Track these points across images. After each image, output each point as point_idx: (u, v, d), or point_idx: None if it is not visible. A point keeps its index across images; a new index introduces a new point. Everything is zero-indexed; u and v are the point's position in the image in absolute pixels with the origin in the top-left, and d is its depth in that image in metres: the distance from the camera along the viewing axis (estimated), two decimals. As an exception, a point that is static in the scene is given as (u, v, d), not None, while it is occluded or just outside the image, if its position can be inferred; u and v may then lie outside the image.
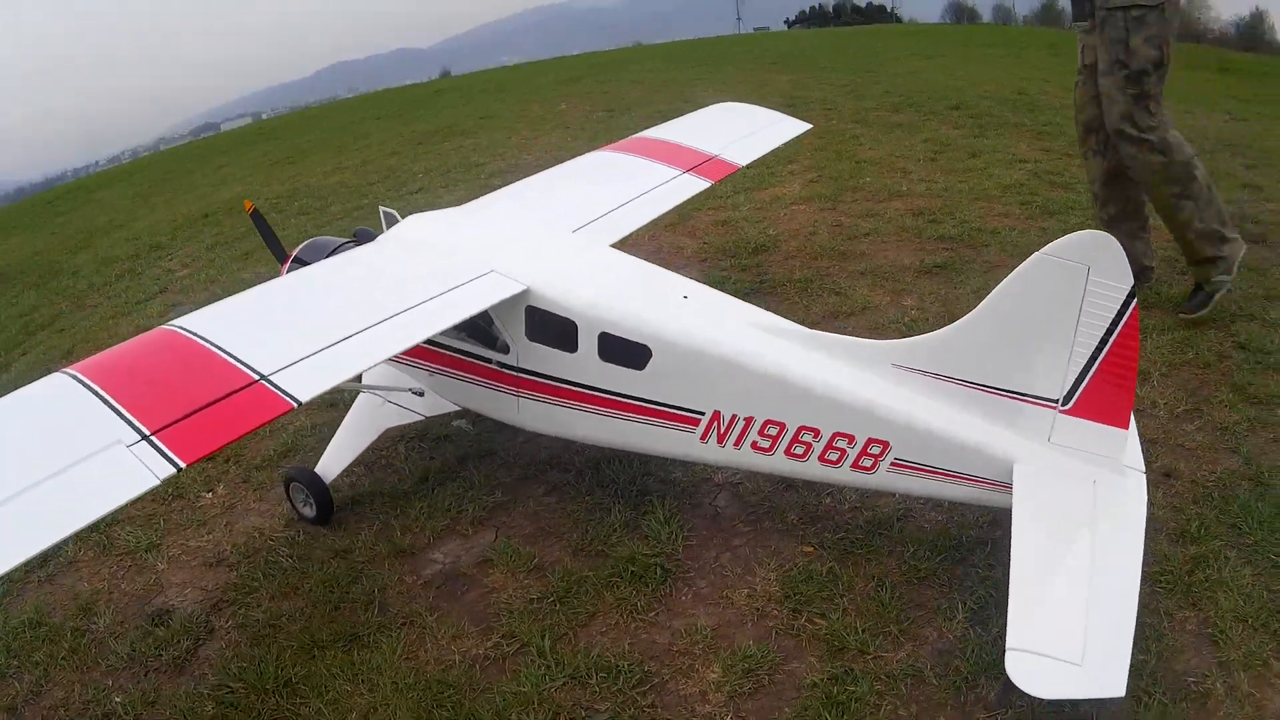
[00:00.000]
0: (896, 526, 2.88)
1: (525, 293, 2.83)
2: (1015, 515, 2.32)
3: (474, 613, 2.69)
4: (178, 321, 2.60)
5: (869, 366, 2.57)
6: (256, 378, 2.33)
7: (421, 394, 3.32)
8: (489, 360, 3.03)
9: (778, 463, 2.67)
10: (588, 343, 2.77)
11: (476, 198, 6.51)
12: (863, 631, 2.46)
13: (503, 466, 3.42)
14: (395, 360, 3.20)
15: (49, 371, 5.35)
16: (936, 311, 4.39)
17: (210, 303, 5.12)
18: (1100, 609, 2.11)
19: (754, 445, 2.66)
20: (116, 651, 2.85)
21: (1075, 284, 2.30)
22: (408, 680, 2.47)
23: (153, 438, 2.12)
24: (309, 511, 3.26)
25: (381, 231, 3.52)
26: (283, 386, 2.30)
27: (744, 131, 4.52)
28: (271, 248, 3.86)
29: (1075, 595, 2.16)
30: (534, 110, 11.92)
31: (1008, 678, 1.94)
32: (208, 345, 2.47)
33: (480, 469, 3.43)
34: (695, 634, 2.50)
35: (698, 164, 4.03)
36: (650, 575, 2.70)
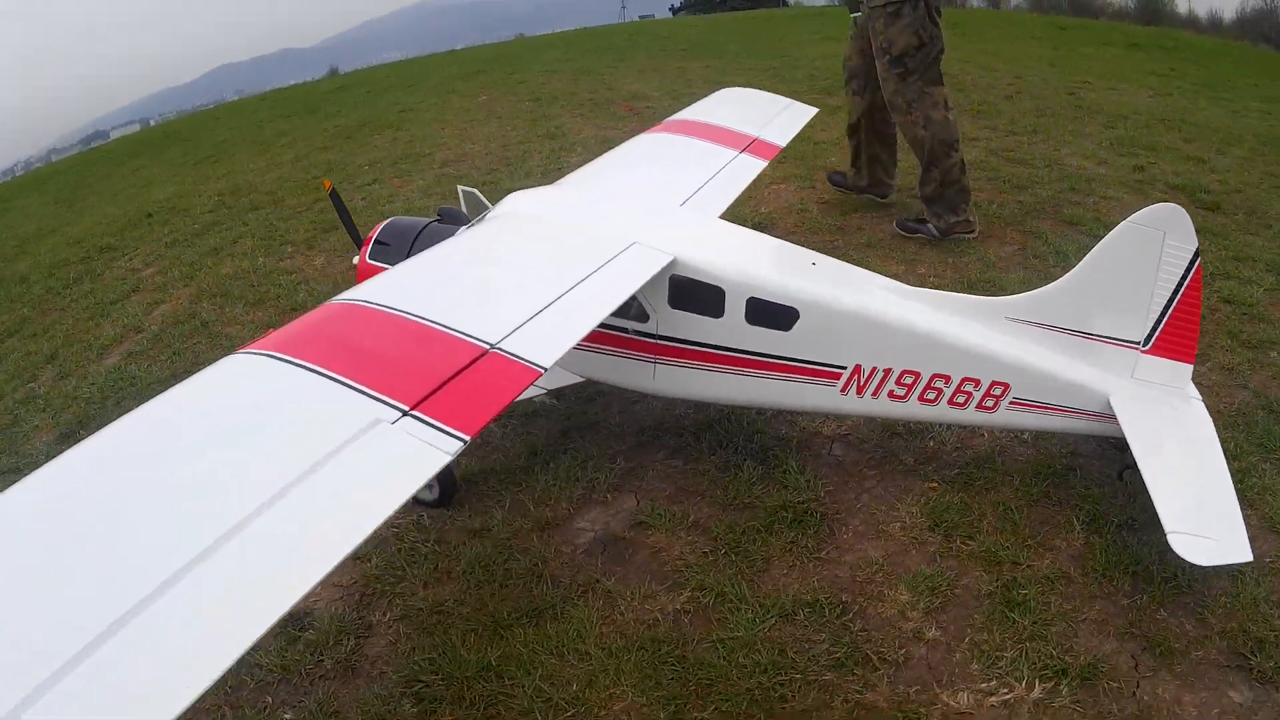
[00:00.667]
0: (998, 461, 3.23)
1: (672, 263, 2.93)
2: (1130, 436, 2.71)
3: (652, 572, 2.83)
4: (351, 295, 2.43)
5: (988, 320, 2.90)
6: (487, 346, 2.21)
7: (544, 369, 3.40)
8: (625, 330, 3.10)
9: (911, 408, 2.95)
10: (735, 308, 2.92)
11: (439, 186, 6.52)
12: (1008, 548, 2.79)
13: (613, 437, 3.55)
14: None
15: (35, 378, 5.11)
16: (953, 278, 4.79)
17: (202, 298, 5.02)
18: (1214, 498, 2.54)
19: (890, 394, 2.93)
20: (264, 665, 2.63)
21: (1154, 247, 2.74)
22: (617, 644, 2.53)
23: (417, 413, 1.94)
24: (430, 495, 3.21)
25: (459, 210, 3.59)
26: (518, 354, 2.22)
27: (768, 115, 4.74)
28: (349, 229, 3.75)
29: (1196, 489, 2.58)
30: (454, 102, 11.86)
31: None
32: (409, 316, 2.30)
33: (590, 440, 3.53)
34: (870, 565, 2.75)
35: (746, 145, 4.21)
36: (809, 519, 2.94)
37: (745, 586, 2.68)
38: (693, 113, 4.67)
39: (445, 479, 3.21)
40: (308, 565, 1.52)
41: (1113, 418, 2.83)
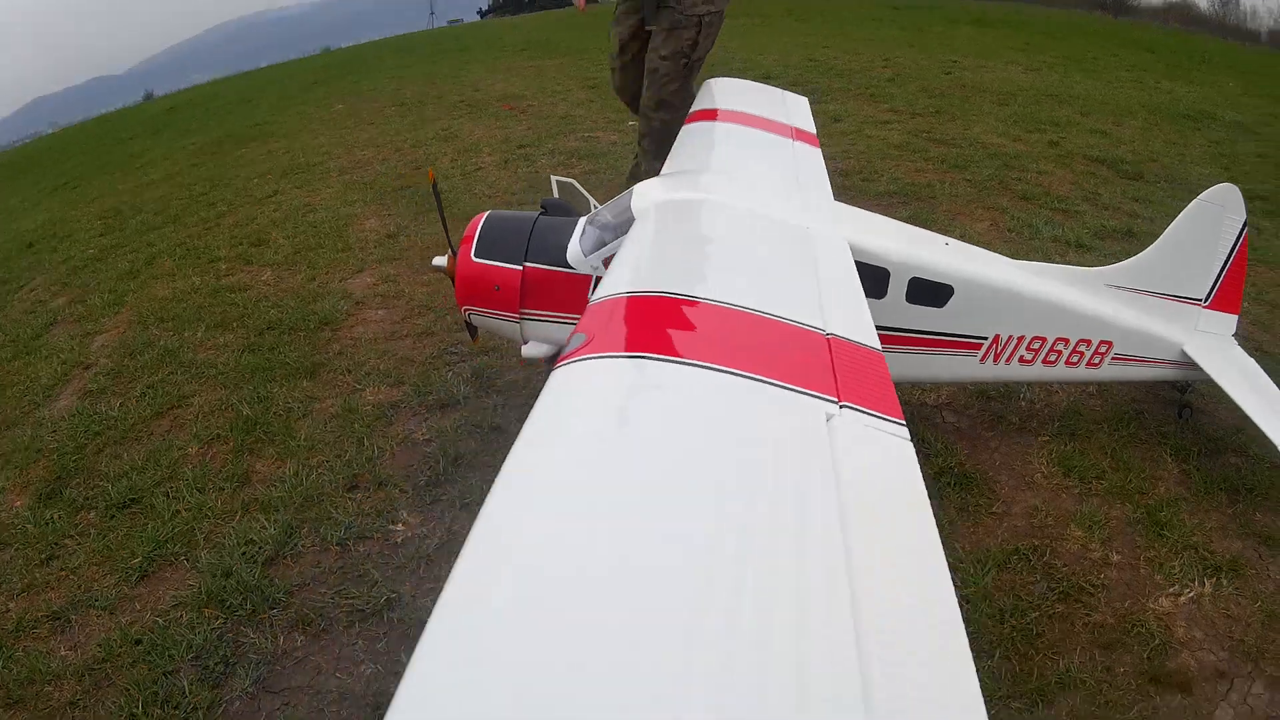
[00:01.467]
0: (1083, 413, 4.03)
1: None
2: (1215, 376, 3.57)
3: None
4: (638, 288, 2.33)
5: (1094, 287, 3.71)
6: (825, 333, 2.24)
7: None
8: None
9: (1036, 370, 3.71)
10: (898, 288, 3.32)
11: (352, 194, 6.89)
12: (1132, 481, 3.59)
13: None
14: None
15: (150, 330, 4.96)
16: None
17: (148, 324, 5.08)
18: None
19: (1020, 359, 3.67)
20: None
21: (1216, 219, 3.62)
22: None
23: (850, 404, 1.89)
24: None
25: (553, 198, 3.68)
26: (851, 337, 2.26)
27: (780, 103, 5.23)
28: (443, 225, 3.80)
29: (1267, 400, 3.49)
30: (311, 113, 12.15)
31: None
32: (733, 307, 2.27)
33: None
34: (1039, 512, 3.35)
35: (796, 134, 4.66)
36: (965, 481, 3.63)
37: (957, 546, 3.27)
38: (723, 99, 4.92)
39: None
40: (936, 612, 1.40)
41: (1190, 364, 3.72)
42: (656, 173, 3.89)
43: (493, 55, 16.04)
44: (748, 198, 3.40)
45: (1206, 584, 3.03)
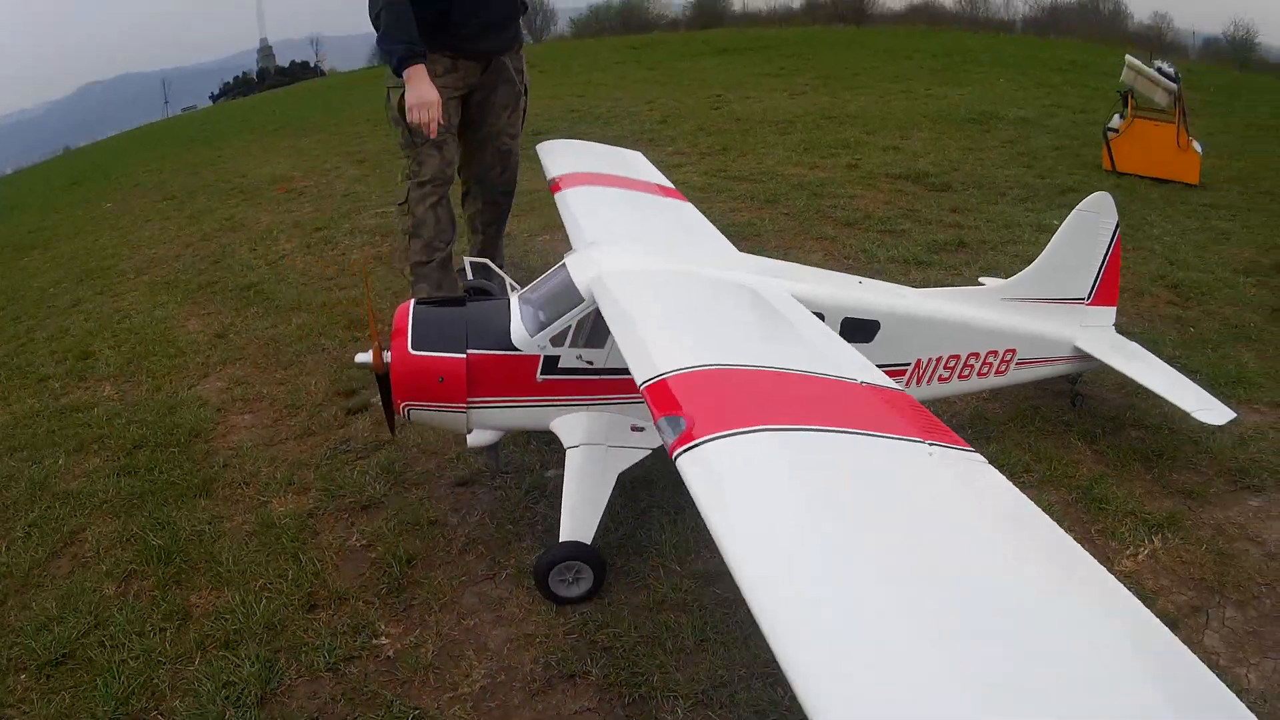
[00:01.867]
0: (989, 419, 5.06)
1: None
2: (1111, 363, 4.64)
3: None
4: (680, 365, 2.76)
5: (992, 303, 4.73)
6: (858, 381, 2.86)
7: (642, 429, 3.88)
8: None
9: (953, 386, 4.61)
10: (833, 328, 3.84)
11: (160, 295, 7.22)
12: (1054, 471, 4.52)
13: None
14: (610, 401, 3.86)
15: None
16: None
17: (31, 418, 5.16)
18: (1185, 386, 4.57)
19: (940, 378, 4.57)
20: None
21: (1093, 226, 4.76)
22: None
23: (934, 442, 2.48)
24: (579, 589, 3.61)
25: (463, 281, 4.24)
26: (877, 382, 2.92)
27: (623, 161, 6.08)
28: (371, 319, 4.11)
29: (1175, 383, 4.59)
30: (82, 213, 12.84)
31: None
32: (768, 369, 2.84)
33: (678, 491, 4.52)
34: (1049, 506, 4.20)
35: (662, 190, 5.52)
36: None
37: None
38: (575, 165, 5.54)
39: (597, 563, 3.62)
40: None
41: (1083, 357, 4.78)
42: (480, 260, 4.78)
43: (246, 138, 17.66)
44: (684, 262, 4.08)
45: (1155, 540, 3.98)
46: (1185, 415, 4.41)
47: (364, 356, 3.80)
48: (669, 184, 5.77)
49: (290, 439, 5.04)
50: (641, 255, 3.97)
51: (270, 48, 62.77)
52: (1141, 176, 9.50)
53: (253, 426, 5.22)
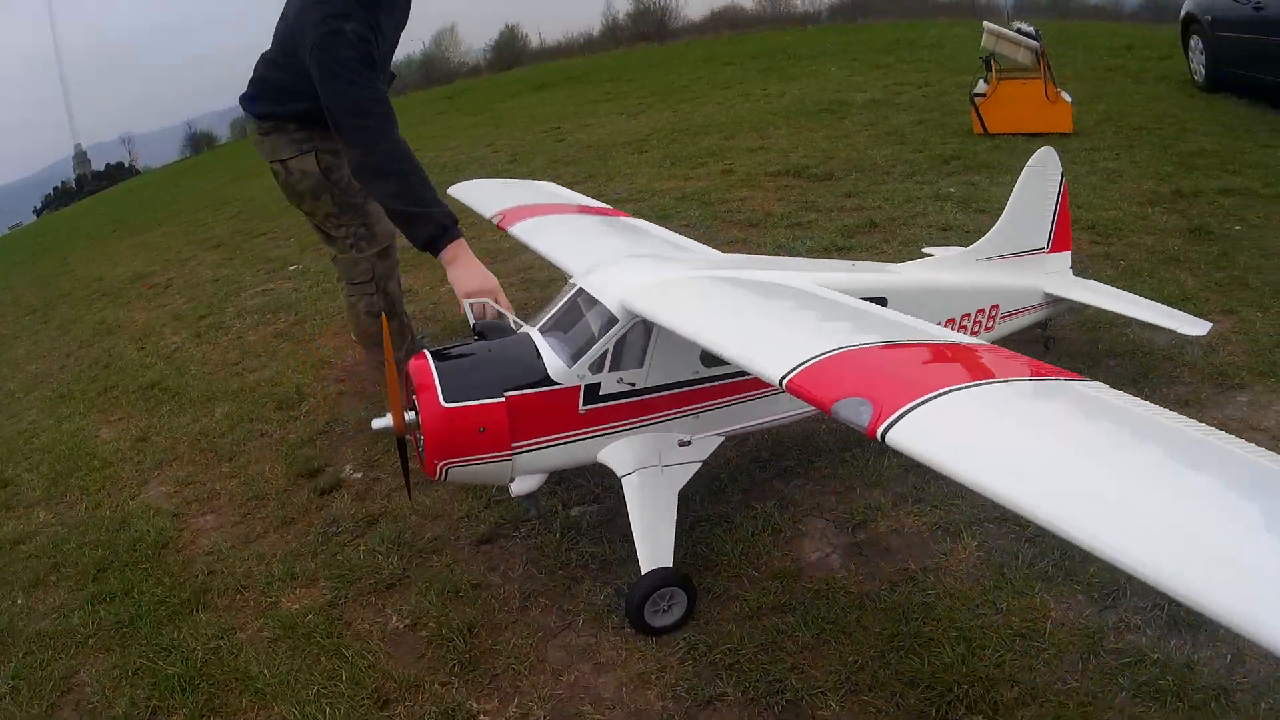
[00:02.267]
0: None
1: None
2: (1085, 301, 5.00)
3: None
4: (807, 356, 2.80)
5: (970, 265, 5.00)
6: (959, 342, 3.06)
7: (688, 442, 3.92)
8: None
9: (955, 344, 4.89)
10: None
11: (53, 410, 7.16)
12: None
13: (750, 486, 4.45)
14: (655, 420, 3.86)
15: None
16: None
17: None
18: (1157, 307, 4.95)
19: (936, 340, 4.84)
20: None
21: (1041, 179, 5.13)
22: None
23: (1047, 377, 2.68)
24: (674, 615, 3.60)
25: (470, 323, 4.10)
26: (964, 341, 3.10)
27: (547, 190, 6.16)
28: (397, 377, 3.71)
29: (1147, 306, 4.96)
30: None
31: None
32: (899, 343, 2.97)
33: (731, 495, 4.40)
34: None
35: (605, 210, 5.64)
36: None
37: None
38: (509, 199, 5.56)
39: (689, 587, 3.63)
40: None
41: (1053, 301, 5.10)
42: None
43: (86, 244, 17.61)
44: (701, 267, 4.15)
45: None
46: (1151, 336, 4.76)
47: (382, 421, 3.59)
48: (602, 204, 5.85)
49: (269, 532, 4.83)
50: (658, 267, 4.01)
51: (84, 152, 60.81)
52: (1015, 134, 10.01)
53: (221, 526, 5.00)
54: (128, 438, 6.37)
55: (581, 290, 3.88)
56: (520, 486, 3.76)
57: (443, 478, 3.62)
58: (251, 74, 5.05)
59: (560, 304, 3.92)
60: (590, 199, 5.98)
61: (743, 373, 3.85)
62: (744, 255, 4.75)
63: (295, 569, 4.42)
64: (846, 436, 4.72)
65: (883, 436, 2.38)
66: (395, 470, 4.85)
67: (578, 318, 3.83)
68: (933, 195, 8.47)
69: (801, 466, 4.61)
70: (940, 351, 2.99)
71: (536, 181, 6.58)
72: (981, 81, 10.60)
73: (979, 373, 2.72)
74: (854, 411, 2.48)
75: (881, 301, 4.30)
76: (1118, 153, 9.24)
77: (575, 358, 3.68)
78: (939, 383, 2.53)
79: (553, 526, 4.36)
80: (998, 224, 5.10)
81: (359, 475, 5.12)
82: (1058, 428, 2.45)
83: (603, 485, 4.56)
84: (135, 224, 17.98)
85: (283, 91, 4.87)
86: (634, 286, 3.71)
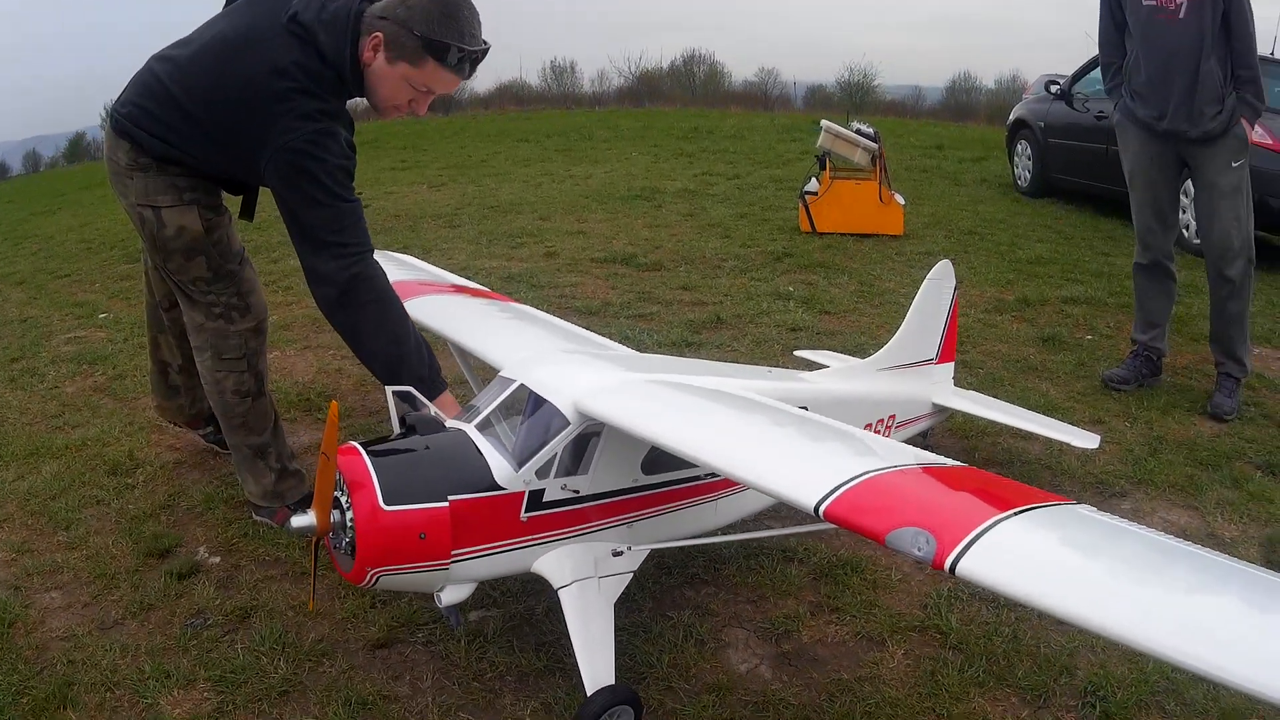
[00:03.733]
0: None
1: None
2: (965, 409, 5.46)
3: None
4: (858, 472, 2.95)
5: (873, 374, 5.34)
6: (917, 465, 3.13)
7: (621, 553, 3.90)
8: (697, 477, 4.05)
9: (854, 454, 5.17)
10: None
11: None
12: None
13: (660, 594, 4.45)
14: (592, 529, 3.86)
15: None
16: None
17: None
18: (1044, 420, 5.43)
19: (842, 449, 5.11)
20: None
21: (939, 292, 5.62)
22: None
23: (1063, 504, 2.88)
24: None
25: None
26: (939, 463, 3.24)
27: (415, 265, 6.24)
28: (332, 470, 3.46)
29: (1035, 419, 5.43)
30: None
31: None
32: (897, 468, 3.06)
33: (643, 603, 4.44)
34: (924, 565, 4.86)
35: (483, 292, 5.74)
36: (854, 565, 4.90)
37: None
38: (392, 273, 5.53)
39: (637, 703, 3.61)
40: None
41: (938, 411, 5.52)
42: None
43: None
44: (643, 368, 4.21)
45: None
46: (1026, 445, 5.22)
47: (303, 520, 3.44)
48: (473, 283, 5.98)
49: (128, 618, 4.51)
50: (608, 367, 4.09)
51: None
52: (844, 234, 10.67)
53: (71, 607, 4.63)
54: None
55: (522, 386, 3.86)
56: (450, 596, 3.68)
57: (371, 584, 3.51)
58: (136, 83, 4.58)
59: (497, 400, 3.86)
60: (457, 276, 6.02)
61: (682, 481, 4.02)
62: (661, 356, 4.88)
63: (167, 666, 4.13)
64: (748, 544, 4.89)
65: (952, 568, 2.52)
66: (259, 559, 4.78)
67: (519, 417, 3.80)
68: (772, 293, 8.93)
69: (709, 574, 4.75)
70: (949, 477, 3.14)
71: (391, 252, 6.54)
72: (814, 179, 11.27)
73: (1001, 499, 2.88)
74: (912, 543, 2.61)
75: (804, 410, 4.54)
76: (954, 258, 9.91)
77: (521, 460, 3.64)
78: (983, 513, 2.70)
79: (455, 633, 4.28)
80: (897, 334, 5.49)
81: (217, 560, 4.90)
82: (1102, 551, 2.69)
83: (499, 589, 4.55)
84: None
85: (190, 130, 4.47)
86: (589, 388, 3.76)
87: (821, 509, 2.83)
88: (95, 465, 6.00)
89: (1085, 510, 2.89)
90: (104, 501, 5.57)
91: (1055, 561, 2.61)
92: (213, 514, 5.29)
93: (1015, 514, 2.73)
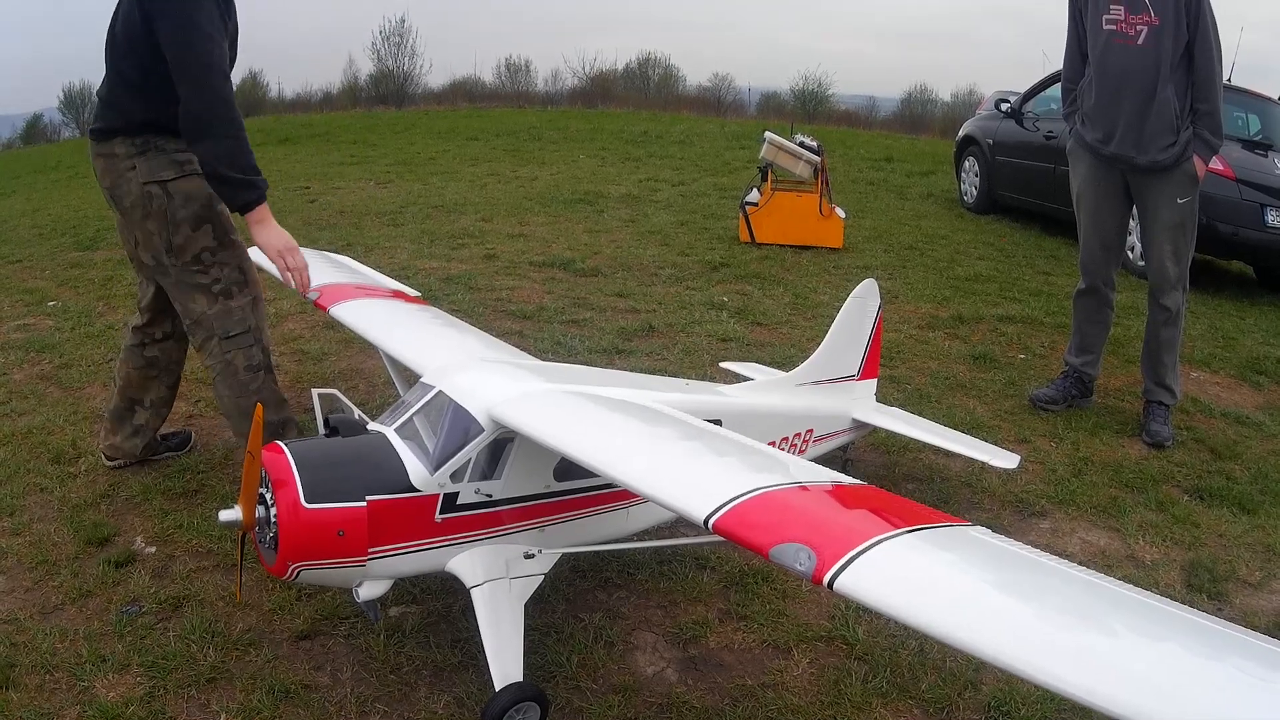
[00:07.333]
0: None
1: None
2: (884, 426, 5.61)
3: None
4: (751, 487, 3.01)
5: (791, 389, 5.48)
6: (848, 483, 3.26)
7: (533, 555, 4.04)
8: (609, 485, 4.10)
9: (773, 469, 5.31)
10: None
11: None
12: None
13: (573, 597, 4.56)
14: (504, 532, 4.01)
15: None
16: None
17: None
18: (966, 439, 5.58)
19: (763, 464, 5.24)
20: None
21: (862, 310, 5.77)
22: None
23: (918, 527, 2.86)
24: None
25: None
26: (845, 482, 3.32)
27: (350, 266, 6.12)
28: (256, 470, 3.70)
29: (956, 439, 5.59)
30: None
31: None
32: (797, 485, 3.13)
33: (556, 605, 4.53)
34: None
35: (411, 297, 5.64)
36: (763, 576, 5.02)
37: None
38: (315, 276, 5.41)
39: (543, 700, 3.74)
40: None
41: (859, 427, 5.67)
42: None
43: None
44: (558, 378, 4.32)
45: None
46: (947, 462, 5.37)
47: (230, 514, 3.63)
48: (408, 289, 6.01)
49: (67, 604, 4.62)
50: (523, 376, 4.21)
51: None
52: (783, 245, 10.87)
53: (14, 591, 4.72)
54: None
55: (440, 392, 4.02)
56: (367, 592, 3.84)
57: (292, 577, 3.68)
58: (102, 87, 4.94)
59: (416, 405, 4.03)
60: (394, 281, 6.08)
61: (594, 488, 4.17)
62: (581, 366, 4.98)
63: (103, 651, 4.27)
64: (661, 550, 5.02)
65: (830, 583, 2.62)
66: (192, 549, 4.91)
67: (437, 422, 3.95)
68: (706, 303, 9.08)
69: (622, 579, 4.87)
70: (844, 494, 3.24)
71: (329, 253, 6.59)
72: (755, 190, 11.46)
73: (893, 518, 2.95)
74: (794, 558, 2.71)
75: (717, 423, 4.66)
76: (891, 273, 10.23)
77: (436, 464, 3.80)
78: (869, 531, 2.79)
79: (375, 627, 4.41)
80: (818, 350, 5.64)
81: (153, 550, 5.02)
82: (985, 574, 2.77)
83: (419, 586, 4.68)
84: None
85: (147, 92, 4.81)
86: (504, 397, 3.91)
87: (711, 522, 2.94)
88: (39, 453, 6.07)
89: (978, 532, 3.00)
90: (47, 489, 5.65)
91: (934, 581, 2.68)
92: (150, 504, 5.41)
93: (903, 533, 2.82)
